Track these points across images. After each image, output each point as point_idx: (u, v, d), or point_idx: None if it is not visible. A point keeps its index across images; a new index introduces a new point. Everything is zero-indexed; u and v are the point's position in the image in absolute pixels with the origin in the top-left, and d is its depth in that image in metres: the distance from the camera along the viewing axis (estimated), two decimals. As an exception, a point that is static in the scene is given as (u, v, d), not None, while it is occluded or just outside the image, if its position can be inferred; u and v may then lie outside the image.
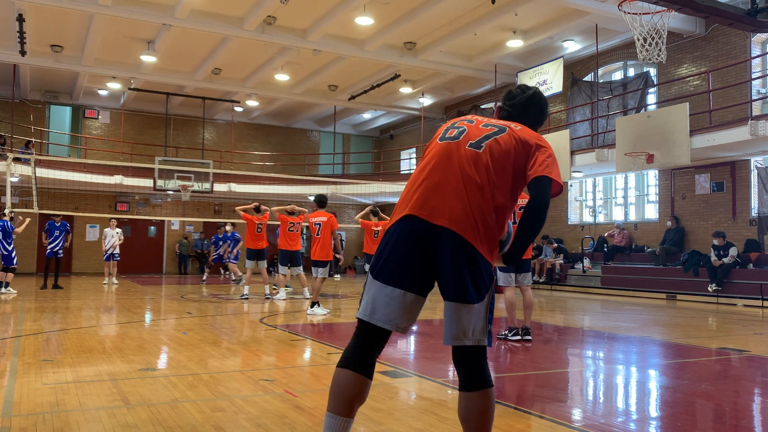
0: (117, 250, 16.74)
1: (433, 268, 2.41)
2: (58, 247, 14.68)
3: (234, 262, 17.33)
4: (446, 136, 2.60)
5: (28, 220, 13.83)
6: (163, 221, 24.19)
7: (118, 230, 16.89)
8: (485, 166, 2.44)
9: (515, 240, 2.54)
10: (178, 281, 19.26)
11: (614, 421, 3.83)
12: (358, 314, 2.47)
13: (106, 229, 16.99)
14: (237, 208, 13.19)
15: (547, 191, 2.43)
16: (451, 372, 5.49)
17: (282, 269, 12.32)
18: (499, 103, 2.88)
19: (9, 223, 13.52)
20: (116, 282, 16.71)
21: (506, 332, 7.15)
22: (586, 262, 16.91)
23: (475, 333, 2.38)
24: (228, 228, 17.74)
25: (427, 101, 23.48)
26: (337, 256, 14.68)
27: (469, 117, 2.67)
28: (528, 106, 2.79)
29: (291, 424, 3.59)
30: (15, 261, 13.47)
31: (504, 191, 2.45)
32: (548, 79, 17.91)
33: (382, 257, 2.44)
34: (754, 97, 13.79)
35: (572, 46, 17.81)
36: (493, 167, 2.45)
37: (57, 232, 14.65)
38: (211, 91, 22.74)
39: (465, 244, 2.35)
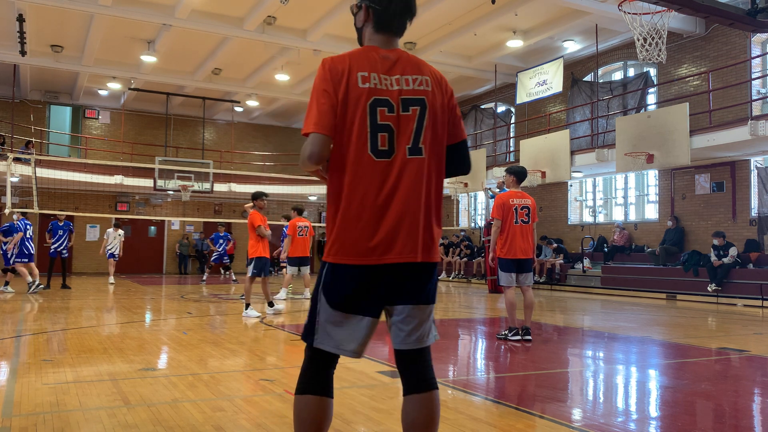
0: (116, 250, 16.67)
1: None
2: (62, 247, 14.67)
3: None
4: None
5: (18, 236, 13.79)
6: (163, 221, 24.20)
7: (121, 232, 16.85)
8: None
9: None
10: (178, 281, 19.26)
11: (614, 421, 3.83)
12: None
13: (109, 230, 16.97)
14: (247, 206, 13.17)
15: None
16: (452, 372, 5.49)
17: (291, 269, 12.51)
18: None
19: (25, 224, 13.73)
20: (113, 281, 16.67)
21: (506, 332, 7.15)
22: (586, 262, 16.91)
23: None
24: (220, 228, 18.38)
25: (427, 101, 23.42)
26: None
27: None
28: None
29: (291, 424, 3.58)
30: (12, 262, 13.53)
31: None
32: (548, 79, 17.91)
33: None
34: (754, 97, 13.79)
35: (572, 46, 17.81)
36: None
37: (60, 232, 14.64)
38: (211, 91, 22.74)
39: None
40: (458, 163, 2.49)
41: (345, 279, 2.28)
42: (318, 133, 2.24)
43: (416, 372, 2.36)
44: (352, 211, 2.26)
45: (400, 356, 2.37)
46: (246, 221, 11.87)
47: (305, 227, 12.34)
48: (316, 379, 2.34)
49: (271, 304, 9.57)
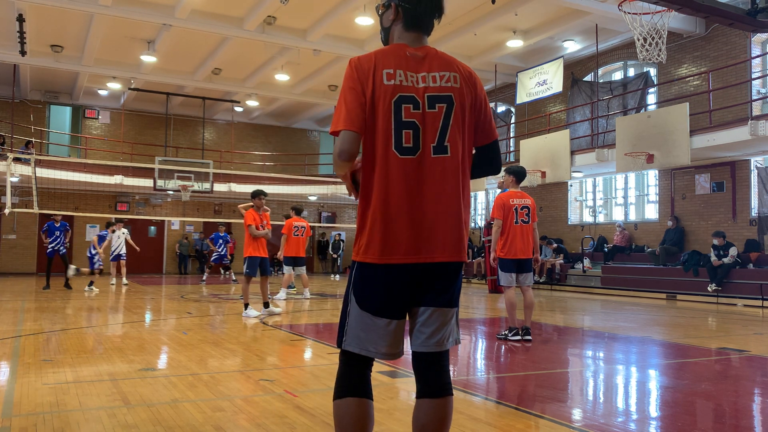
0: (123, 250, 16.62)
1: None
2: (59, 244, 14.65)
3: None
4: None
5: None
6: (163, 221, 24.18)
7: (124, 230, 16.79)
8: None
9: None
10: (178, 281, 19.26)
11: (614, 421, 3.83)
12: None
13: (110, 232, 16.85)
14: (240, 206, 13.13)
15: None
16: (452, 372, 5.49)
17: (286, 269, 12.56)
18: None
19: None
20: (126, 282, 16.64)
21: (506, 332, 7.15)
22: (586, 262, 16.91)
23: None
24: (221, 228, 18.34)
25: (427, 101, 23.42)
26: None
27: None
28: None
29: (291, 424, 3.59)
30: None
31: None
32: (548, 79, 17.90)
33: None
34: (754, 97, 13.79)
35: (572, 46, 17.81)
36: None
37: (57, 233, 14.62)
38: (211, 91, 22.74)
39: None
40: (487, 164, 2.45)
41: (372, 278, 2.25)
42: (347, 130, 2.22)
43: (432, 376, 2.32)
44: (379, 210, 2.23)
45: (417, 358, 2.34)
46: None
47: (302, 227, 12.41)
48: (352, 381, 2.30)
49: (266, 305, 9.54)
